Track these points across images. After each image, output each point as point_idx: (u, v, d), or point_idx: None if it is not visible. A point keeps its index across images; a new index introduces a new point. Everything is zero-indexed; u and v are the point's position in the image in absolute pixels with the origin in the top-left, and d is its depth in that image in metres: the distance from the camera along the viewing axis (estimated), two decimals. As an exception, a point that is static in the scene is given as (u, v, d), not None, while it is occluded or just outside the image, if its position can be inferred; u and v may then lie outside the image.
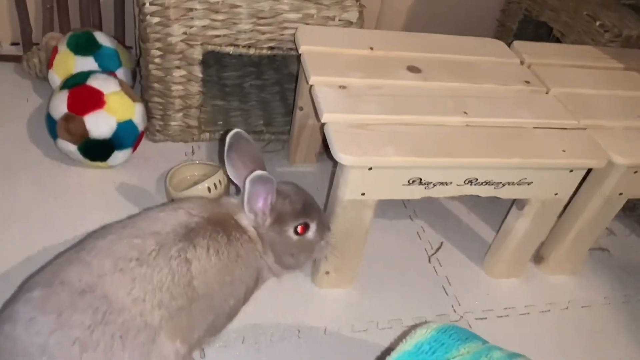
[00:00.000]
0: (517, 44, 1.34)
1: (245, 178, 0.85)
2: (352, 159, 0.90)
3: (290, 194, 0.93)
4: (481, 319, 1.15)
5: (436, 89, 1.12)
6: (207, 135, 1.42)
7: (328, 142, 0.93)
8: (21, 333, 0.70)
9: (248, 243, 0.89)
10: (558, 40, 1.63)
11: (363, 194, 0.96)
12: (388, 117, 1.00)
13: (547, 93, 1.19)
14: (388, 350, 0.77)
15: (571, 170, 1.03)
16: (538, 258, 1.28)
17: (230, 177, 0.94)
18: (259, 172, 0.84)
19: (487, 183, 1.01)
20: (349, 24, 1.30)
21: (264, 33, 1.28)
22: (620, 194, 1.10)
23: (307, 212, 0.93)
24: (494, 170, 0.99)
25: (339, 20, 1.30)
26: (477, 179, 0.99)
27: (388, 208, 1.35)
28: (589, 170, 1.11)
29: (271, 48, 1.30)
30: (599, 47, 1.45)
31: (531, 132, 1.05)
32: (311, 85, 1.05)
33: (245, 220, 0.90)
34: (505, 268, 1.22)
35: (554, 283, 1.26)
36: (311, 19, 1.28)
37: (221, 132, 1.43)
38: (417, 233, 1.33)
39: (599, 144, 1.05)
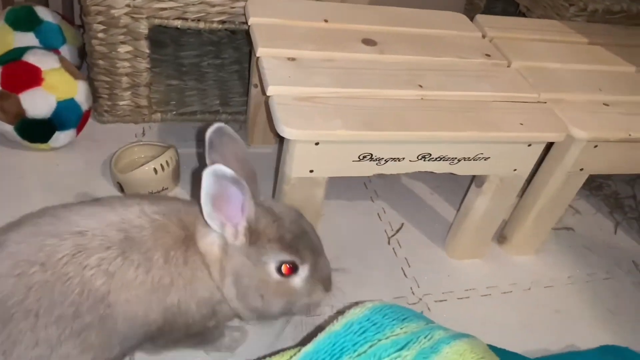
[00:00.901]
0: (479, 17, 1.29)
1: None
2: (297, 132, 0.84)
3: (284, 217, 0.75)
4: (441, 301, 1.11)
5: (392, 62, 1.06)
6: (158, 115, 1.35)
7: (272, 115, 0.87)
8: None
9: (198, 269, 0.74)
10: (524, 16, 1.59)
11: (312, 171, 0.91)
12: (338, 90, 0.95)
13: (508, 66, 1.15)
14: (320, 329, 0.72)
15: (529, 145, 0.99)
16: (501, 238, 1.25)
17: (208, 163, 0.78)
18: (221, 167, 0.67)
19: (441, 158, 0.96)
20: (304, -5, 1.24)
21: (213, 6, 1.21)
22: (582, 169, 1.06)
23: (299, 248, 0.74)
24: (448, 144, 0.94)
25: (296, -8, 1.24)
26: (430, 155, 0.95)
27: (348, 189, 1.30)
28: (550, 146, 1.07)
29: (222, 22, 1.23)
30: (564, 21, 1.41)
31: (489, 106, 1.01)
32: (258, 58, 0.99)
33: (208, 236, 0.74)
34: (466, 249, 1.19)
35: (518, 263, 1.23)
36: (264, -10, 1.22)
37: (174, 112, 1.37)
38: (378, 214, 1.28)
39: (559, 117, 1.02)
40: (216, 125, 0.78)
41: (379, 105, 0.94)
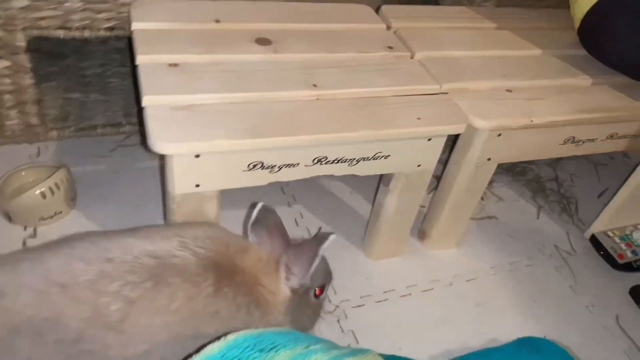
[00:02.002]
0: (385, 8, 1.25)
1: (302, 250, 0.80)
2: (171, 146, 0.78)
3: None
4: (358, 306, 1.07)
5: (286, 62, 1.01)
6: (55, 133, 1.26)
7: (145, 130, 0.80)
8: None
9: (245, 309, 0.77)
10: (437, 4, 1.56)
11: (197, 186, 0.85)
12: (223, 96, 0.89)
13: (412, 58, 1.11)
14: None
15: (429, 139, 0.95)
16: (421, 233, 1.22)
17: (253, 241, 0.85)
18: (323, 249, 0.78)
19: (339, 161, 0.92)
20: (198, -5, 1.17)
21: (99, 12, 1.12)
22: (489, 159, 1.04)
23: (326, 273, 0.90)
24: (343, 146, 0.90)
25: (186, -8, 1.16)
26: (327, 158, 0.90)
27: (264, 194, 1.24)
28: (455, 140, 1.05)
29: (111, 29, 1.15)
30: (473, 7, 1.39)
31: (387, 101, 0.97)
32: (137, 66, 0.92)
33: (278, 283, 0.81)
34: (384, 248, 1.15)
35: (439, 258, 1.20)
36: (153, -7, 1.14)
37: (72, 129, 1.28)
38: (295, 219, 1.23)
39: (460, 108, 0.98)
40: (260, 205, 0.85)
41: (268, 109, 0.89)
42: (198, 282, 0.73)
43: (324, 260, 0.85)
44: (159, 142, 0.77)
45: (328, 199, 1.30)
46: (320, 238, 0.80)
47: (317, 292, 0.87)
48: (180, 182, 0.83)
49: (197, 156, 0.81)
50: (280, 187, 1.30)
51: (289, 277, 0.81)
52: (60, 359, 0.67)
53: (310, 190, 1.30)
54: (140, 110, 0.84)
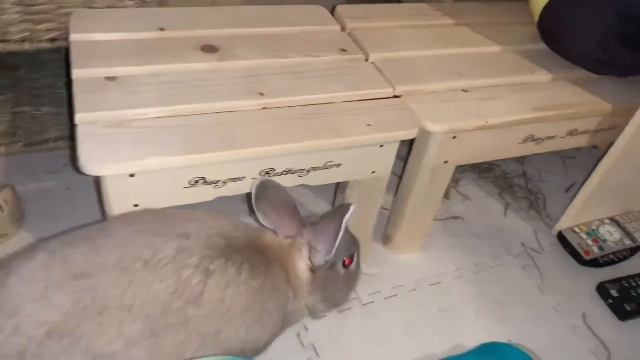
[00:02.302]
0: (339, 8, 1.22)
1: (325, 225, 0.79)
2: (101, 167, 0.74)
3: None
4: (319, 318, 1.04)
5: (232, 70, 0.97)
6: (2, 149, 1.21)
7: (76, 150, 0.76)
8: (10, 283, 0.65)
9: (286, 284, 0.81)
10: (397, 1, 1.53)
11: (136, 205, 0.81)
12: (162, 109, 0.85)
13: (366, 60, 1.08)
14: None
15: (381, 145, 0.92)
16: (385, 238, 1.20)
17: (264, 224, 0.84)
18: (353, 207, 0.78)
19: (288, 172, 0.88)
20: (142, 3, 1.13)
21: (39, 23, 1.08)
22: (445, 161, 1.01)
23: (351, 240, 0.88)
24: (291, 156, 0.87)
25: (130, 0, 1.12)
26: (274, 169, 0.87)
27: (225, 205, 1.20)
28: (413, 142, 1.02)
29: (52, 40, 1.11)
30: (433, 3, 1.36)
31: (338, 108, 0.94)
32: (72, 80, 0.88)
33: (302, 262, 0.82)
34: (346, 256, 1.12)
35: (403, 263, 1.18)
36: (95, 2, 1.10)
37: (21, 144, 1.23)
38: (255, 229, 1.20)
39: (413, 112, 0.96)
40: (259, 180, 0.81)
41: (210, 122, 0.85)
42: (254, 259, 0.76)
43: (347, 230, 0.83)
44: (88, 163, 0.73)
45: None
46: (340, 210, 0.78)
47: (347, 262, 0.86)
48: (116, 203, 0.79)
49: (132, 175, 0.77)
50: (241, 198, 1.26)
51: (314, 255, 0.82)
52: (146, 336, 0.67)
53: (271, 197, 1.27)
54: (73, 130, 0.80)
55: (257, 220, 0.83)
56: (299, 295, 0.84)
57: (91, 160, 0.74)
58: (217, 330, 0.73)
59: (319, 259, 0.81)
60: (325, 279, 0.84)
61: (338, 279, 0.86)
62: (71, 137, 1.28)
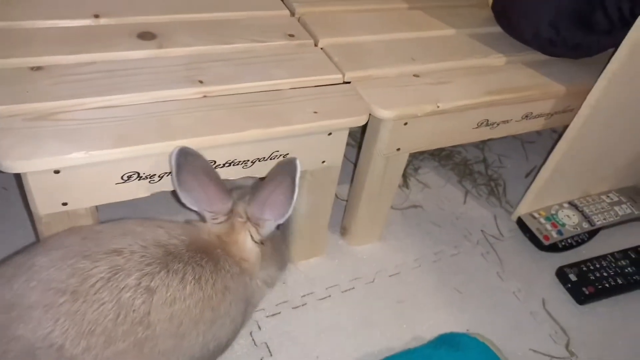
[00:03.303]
0: (289, -8, 1.17)
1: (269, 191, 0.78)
2: (21, 164, 0.68)
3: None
4: (273, 315, 1.00)
5: (170, 57, 0.92)
6: None
7: (-6, 145, 0.70)
8: None
9: (240, 275, 0.79)
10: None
11: (65, 204, 0.76)
12: (93, 100, 0.79)
13: (315, 46, 1.04)
14: None
15: (330, 134, 0.88)
16: (342, 229, 1.16)
17: (186, 203, 0.79)
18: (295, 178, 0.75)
19: (230, 163, 0.84)
20: (78, -11, 1.06)
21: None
22: (398, 149, 0.98)
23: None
24: (233, 147, 0.82)
25: (64, -16, 1.05)
26: (215, 162, 0.82)
27: (165, 200, 1.16)
28: (365, 129, 0.98)
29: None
30: (386, -13, 1.32)
31: (284, 95, 0.89)
32: (-7, 72, 0.81)
33: (246, 243, 0.81)
34: (302, 249, 1.08)
35: (361, 254, 1.15)
36: (25, -13, 1.02)
37: None
38: (207, 225, 1.15)
39: (362, 98, 0.92)
40: (178, 147, 0.74)
41: (144, 112, 0.80)
42: (198, 262, 0.73)
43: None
44: (6, 160, 0.67)
45: (244, 199, 1.22)
46: (285, 168, 0.76)
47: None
48: (42, 202, 0.74)
49: (57, 172, 0.71)
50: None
51: (262, 226, 0.80)
52: None
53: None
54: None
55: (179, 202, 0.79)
56: (254, 277, 0.82)
57: (9, 157, 0.68)
58: (175, 345, 0.70)
59: (269, 227, 0.80)
60: (272, 245, 0.84)
61: (279, 238, 0.87)
62: None
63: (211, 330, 0.74)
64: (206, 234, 0.79)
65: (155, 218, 0.81)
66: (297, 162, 0.75)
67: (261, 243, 0.82)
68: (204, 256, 0.75)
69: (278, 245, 0.88)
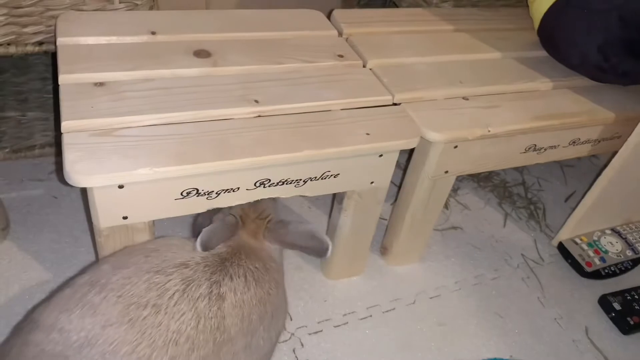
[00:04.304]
0: (336, 13, 1.18)
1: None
2: (88, 179, 0.70)
3: None
4: (315, 332, 1.00)
5: (226, 76, 0.94)
6: (-16, 156, 1.17)
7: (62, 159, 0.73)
8: None
9: (276, 266, 0.85)
10: (395, 6, 1.51)
11: (125, 218, 0.77)
12: (152, 117, 0.81)
13: (363, 67, 1.05)
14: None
15: (381, 155, 0.89)
16: (382, 249, 1.16)
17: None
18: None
19: (284, 182, 0.85)
20: (134, 6, 1.09)
21: (26, 25, 1.04)
22: (446, 172, 0.98)
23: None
24: (287, 167, 0.83)
25: (122, 2, 1.08)
26: (270, 180, 0.83)
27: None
28: (413, 151, 0.99)
29: (39, 43, 1.06)
30: (431, 8, 1.33)
31: (335, 116, 0.90)
32: (59, 87, 0.84)
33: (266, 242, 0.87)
34: (343, 267, 1.09)
35: (401, 275, 1.14)
36: (85, 4, 1.06)
37: (7, 150, 1.19)
38: (249, 240, 1.16)
39: (413, 120, 0.93)
40: (199, 238, 0.79)
41: (202, 130, 0.81)
42: (252, 264, 0.79)
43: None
44: (74, 174, 0.69)
45: (285, 214, 1.23)
46: (315, 242, 0.83)
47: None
48: (104, 215, 0.76)
49: (121, 187, 0.73)
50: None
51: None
52: None
53: (265, 207, 1.23)
54: (59, 136, 0.76)
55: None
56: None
57: (78, 171, 0.70)
58: (246, 344, 0.74)
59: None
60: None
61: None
62: (57, 143, 1.24)
63: (272, 322, 0.80)
64: (244, 239, 0.83)
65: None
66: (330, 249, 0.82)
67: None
68: (253, 258, 0.80)
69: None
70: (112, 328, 0.63)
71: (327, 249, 0.81)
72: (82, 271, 0.74)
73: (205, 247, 0.77)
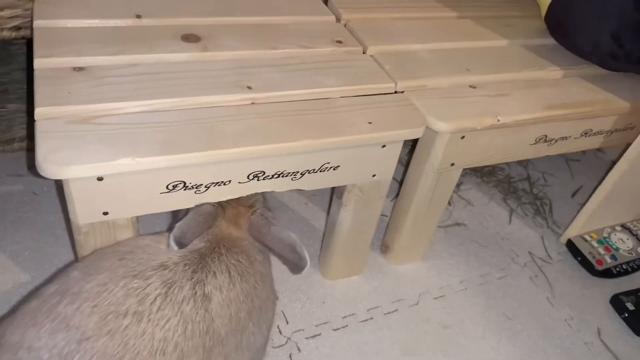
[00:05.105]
0: (334, -3, 1.12)
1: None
2: (63, 170, 0.63)
3: None
4: (313, 336, 0.94)
5: (216, 61, 0.87)
6: (-39, 149, 1.10)
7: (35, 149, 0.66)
8: None
9: (263, 258, 0.78)
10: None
11: (106, 213, 0.71)
12: (137, 104, 0.74)
13: (363, 53, 0.99)
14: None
15: (384, 146, 0.83)
16: (383, 247, 1.10)
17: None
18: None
19: (279, 175, 0.78)
20: (119, -12, 1.02)
21: (2, 9, 0.97)
22: (452, 164, 0.92)
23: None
24: (283, 158, 0.77)
25: (105, -16, 1.02)
26: (264, 172, 0.77)
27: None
28: (416, 142, 0.93)
29: (17, 28, 0.99)
30: (432, -5, 1.27)
31: (335, 104, 0.84)
32: (34, 71, 0.77)
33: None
34: (342, 266, 1.03)
35: (404, 274, 1.08)
36: (65, -14, 0.99)
37: (-16, 144, 1.12)
38: (242, 238, 1.10)
39: (418, 109, 0.86)
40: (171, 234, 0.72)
41: (191, 118, 0.75)
42: (235, 257, 0.72)
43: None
44: (48, 164, 0.63)
45: (280, 211, 1.17)
46: (295, 256, 0.74)
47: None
48: (83, 211, 0.69)
49: (100, 179, 0.66)
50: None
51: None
52: None
53: (259, 203, 1.17)
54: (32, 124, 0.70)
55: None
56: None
57: (52, 161, 0.63)
58: (237, 344, 0.70)
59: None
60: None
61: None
62: (30, 136, 1.17)
63: (261, 315, 0.75)
64: (224, 229, 0.76)
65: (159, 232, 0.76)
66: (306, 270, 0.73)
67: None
68: (236, 250, 0.74)
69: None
70: (89, 342, 0.57)
71: (303, 268, 0.72)
72: (49, 280, 0.67)
73: (180, 244, 0.69)
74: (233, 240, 0.75)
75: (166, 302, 0.62)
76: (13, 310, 0.66)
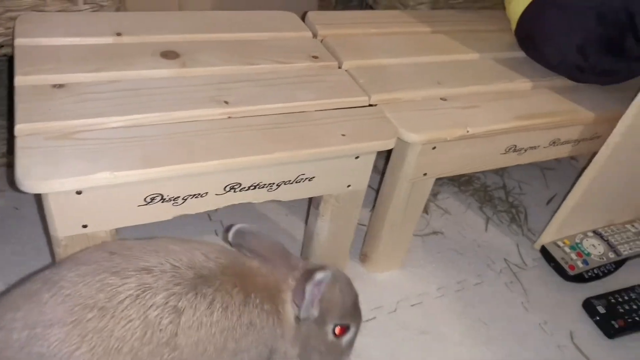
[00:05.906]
0: (311, 14, 1.16)
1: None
2: (41, 184, 0.65)
3: (342, 286, 0.78)
4: (292, 344, 0.96)
5: (194, 77, 0.90)
6: (-57, 166, 1.11)
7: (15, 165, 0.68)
8: None
9: (272, 318, 0.72)
10: (372, 9, 1.49)
11: (85, 226, 0.72)
12: (115, 119, 0.77)
13: (339, 68, 1.02)
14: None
15: (357, 157, 0.86)
16: (362, 256, 1.13)
17: None
18: (320, 276, 0.69)
19: (255, 186, 0.81)
20: (99, 7, 1.05)
21: (-17, 28, 0.99)
22: (425, 174, 0.95)
23: (353, 312, 0.79)
24: (259, 170, 0.79)
25: (86, 3, 1.04)
26: (240, 184, 0.79)
27: (186, 224, 1.12)
28: (390, 153, 0.96)
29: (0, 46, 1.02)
30: (407, 10, 1.31)
31: (310, 117, 0.87)
32: (14, 89, 0.79)
33: (288, 304, 0.73)
34: (321, 276, 1.05)
35: (382, 282, 1.11)
36: (46, 6, 1.01)
37: (-34, 160, 1.13)
38: (223, 249, 1.11)
39: (390, 121, 0.90)
40: (234, 229, 0.75)
41: (169, 132, 0.77)
42: (228, 290, 0.69)
43: (350, 295, 0.78)
44: (27, 179, 0.65)
45: (261, 222, 1.19)
46: (310, 273, 0.70)
47: (338, 331, 0.76)
48: (62, 224, 0.71)
49: (79, 192, 0.68)
50: (207, 214, 1.18)
51: (293, 304, 0.74)
52: None
53: (240, 214, 1.18)
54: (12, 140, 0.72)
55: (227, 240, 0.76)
56: (286, 339, 0.74)
57: (30, 176, 0.65)
58: None
59: (296, 310, 0.73)
60: (309, 335, 0.75)
61: (322, 343, 0.76)
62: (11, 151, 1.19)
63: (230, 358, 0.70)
64: (252, 267, 0.73)
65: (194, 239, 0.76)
66: (318, 276, 0.70)
67: (296, 318, 0.74)
68: (237, 285, 0.70)
69: (316, 345, 0.76)
70: (54, 329, 0.58)
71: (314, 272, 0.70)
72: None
73: (230, 237, 0.73)
74: (244, 272, 0.72)
75: (134, 304, 0.62)
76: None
